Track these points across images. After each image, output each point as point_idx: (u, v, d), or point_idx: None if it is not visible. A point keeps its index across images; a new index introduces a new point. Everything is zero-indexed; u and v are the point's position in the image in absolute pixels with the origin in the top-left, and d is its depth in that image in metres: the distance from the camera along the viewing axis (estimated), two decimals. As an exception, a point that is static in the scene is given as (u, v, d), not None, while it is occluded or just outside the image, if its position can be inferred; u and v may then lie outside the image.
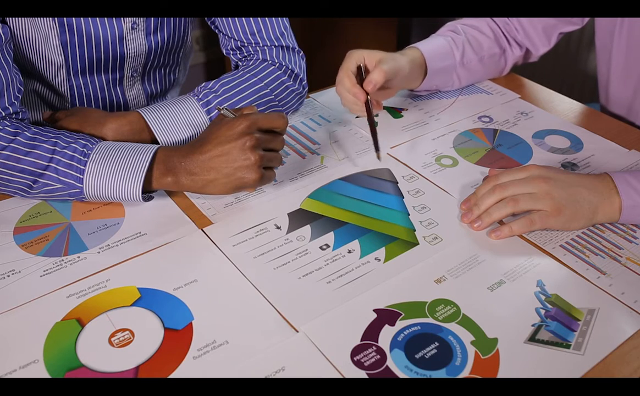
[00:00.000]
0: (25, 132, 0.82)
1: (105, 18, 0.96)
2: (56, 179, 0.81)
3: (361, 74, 0.99)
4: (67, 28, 0.94)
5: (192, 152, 0.82)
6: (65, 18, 0.93)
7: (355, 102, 0.99)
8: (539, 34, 1.16)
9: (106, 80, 1.03)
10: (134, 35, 0.99)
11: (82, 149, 0.81)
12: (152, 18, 1.00)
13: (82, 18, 0.94)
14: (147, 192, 0.85)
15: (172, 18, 1.04)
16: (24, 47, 0.94)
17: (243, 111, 0.85)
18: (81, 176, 0.80)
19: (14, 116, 0.86)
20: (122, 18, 0.97)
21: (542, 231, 0.82)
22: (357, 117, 1.08)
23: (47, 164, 0.80)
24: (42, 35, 0.93)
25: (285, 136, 1.01)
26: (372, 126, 0.97)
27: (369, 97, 0.97)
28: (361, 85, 0.97)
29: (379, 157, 0.95)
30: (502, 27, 1.16)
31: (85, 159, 0.81)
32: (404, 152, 0.99)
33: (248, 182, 0.82)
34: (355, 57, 0.99)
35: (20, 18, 0.90)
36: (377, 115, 1.07)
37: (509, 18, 1.16)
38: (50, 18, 0.92)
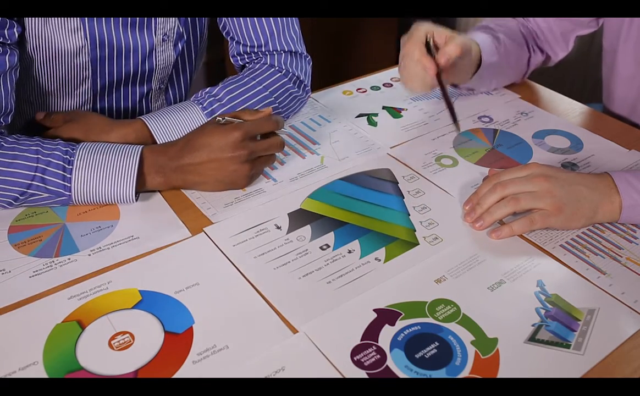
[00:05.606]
0: (2, 143, 0.80)
1: (137, 31, 0.95)
2: (43, 189, 0.80)
3: (429, 49, 0.94)
4: (98, 44, 0.92)
5: (182, 156, 0.83)
6: (97, 34, 0.91)
7: (422, 77, 0.94)
8: (557, 39, 1.15)
9: (132, 93, 1.02)
10: (164, 47, 0.99)
11: (64, 156, 0.80)
12: (176, 27, 0.99)
13: (113, 32, 0.92)
14: (137, 191, 0.84)
15: (189, 22, 1.02)
16: (50, 59, 0.91)
17: (239, 116, 0.87)
18: (69, 185, 0.80)
19: None
20: (153, 31, 0.96)
21: (542, 231, 0.82)
22: (357, 116, 1.08)
23: (33, 174, 0.79)
24: (72, 50, 0.91)
25: (285, 136, 1.01)
26: (447, 97, 0.94)
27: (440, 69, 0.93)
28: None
29: (458, 128, 0.95)
30: (524, 33, 1.14)
31: (70, 166, 0.80)
32: (404, 152, 0.99)
33: (238, 187, 0.89)
34: (425, 29, 0.95)
35: (50, 34, 0.88)
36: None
37: (529, 23, 1.14)
38: (82, 33, 0.90)
